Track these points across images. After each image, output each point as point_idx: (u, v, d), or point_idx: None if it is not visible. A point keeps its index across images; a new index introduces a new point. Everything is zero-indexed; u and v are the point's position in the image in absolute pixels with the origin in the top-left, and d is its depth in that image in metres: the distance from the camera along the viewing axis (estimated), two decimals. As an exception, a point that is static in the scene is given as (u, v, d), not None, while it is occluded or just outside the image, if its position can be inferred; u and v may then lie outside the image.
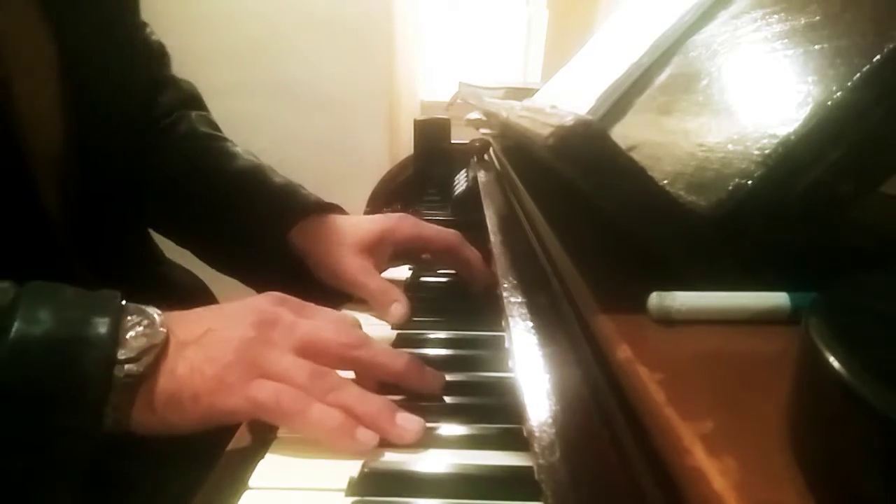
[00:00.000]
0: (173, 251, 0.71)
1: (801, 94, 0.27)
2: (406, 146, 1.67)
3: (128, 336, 0.36)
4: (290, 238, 0.60)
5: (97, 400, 0.34)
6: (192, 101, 0.74)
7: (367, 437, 0.35)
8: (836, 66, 0.26)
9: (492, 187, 0.78)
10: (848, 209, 0.26)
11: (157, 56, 0.71)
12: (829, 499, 0.15)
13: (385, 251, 0.60)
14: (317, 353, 0.38)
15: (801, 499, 0.15)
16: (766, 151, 0.26)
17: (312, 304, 0.43)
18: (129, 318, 0.36)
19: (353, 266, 0.56)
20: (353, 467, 0.33)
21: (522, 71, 2.16)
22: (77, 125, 0.55)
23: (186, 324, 0.38)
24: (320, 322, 0.41)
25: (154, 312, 0.38)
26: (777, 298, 0.25)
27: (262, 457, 0.34)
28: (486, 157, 1.03)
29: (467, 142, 1.10)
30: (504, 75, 2.12)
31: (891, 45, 0.24)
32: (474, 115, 1.14)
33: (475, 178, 0.90)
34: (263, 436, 0.36)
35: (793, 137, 0.26)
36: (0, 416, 0.33)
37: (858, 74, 0.25)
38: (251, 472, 0.32)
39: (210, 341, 0.37)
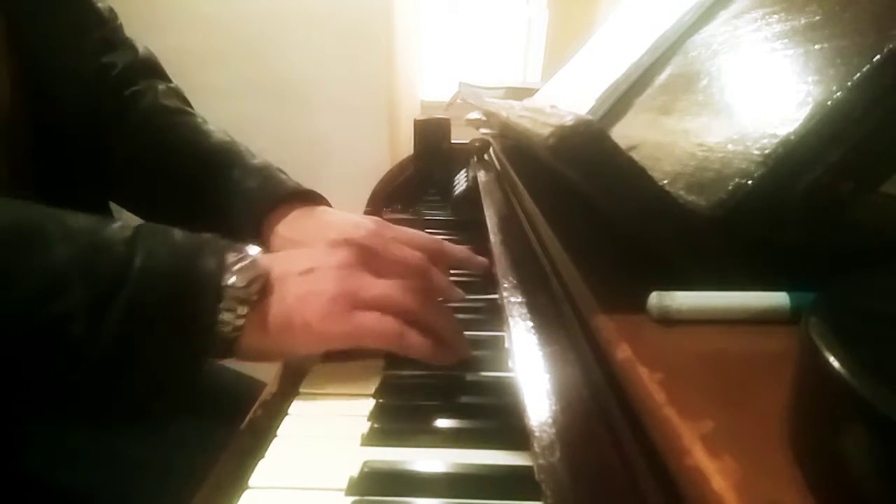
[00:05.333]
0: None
1: (801, 94, 0.27)
2: (406, 146, 1.67)
3: (234, 269, 0.39)
4: (267, 223, 0.58)
5: (207, 326, 0.38)
6: (153, 67, 0.71)
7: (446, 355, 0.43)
8: (836, 66, 0.26)
9: (492, 187, 0.78)
10: (848, 209, 0.26)
11: (106, 18, 0.68)
12: (829, 499, 0.15)
13: None
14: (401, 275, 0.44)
15: (801, 499, 0.15)
16: (766, 151, 0.26)
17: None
18: (231, 254, 0.40)
19: None
20: (353, 467, 0.33)
21: (522, 71, 2.16)
22: (24, 91, 0.55)
23: (284, 261, 0.43)
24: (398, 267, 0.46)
25: (252, 250, 0.42)
26: (777, 298, 0.25)
27: (262, 456, 0.34)
28: (486, 157, 1.03)
29: (467, 142, 1.10)
30: (504, 75, 2.11)
31: (891, 45, 0.24)
32: (474, 115, 1.14)
33: (475, 178, 0.90)
34: (264, 434, 0.36)
35: (793, 137, 0.26)
36: (131, 333, 0.36)
37: (858, 74, 0.25)
38: (251, 472, 0.32)
39: (313, 276, 0.42)
